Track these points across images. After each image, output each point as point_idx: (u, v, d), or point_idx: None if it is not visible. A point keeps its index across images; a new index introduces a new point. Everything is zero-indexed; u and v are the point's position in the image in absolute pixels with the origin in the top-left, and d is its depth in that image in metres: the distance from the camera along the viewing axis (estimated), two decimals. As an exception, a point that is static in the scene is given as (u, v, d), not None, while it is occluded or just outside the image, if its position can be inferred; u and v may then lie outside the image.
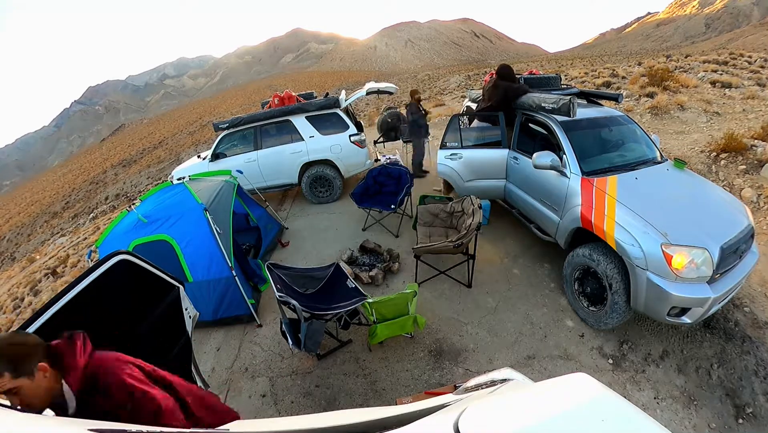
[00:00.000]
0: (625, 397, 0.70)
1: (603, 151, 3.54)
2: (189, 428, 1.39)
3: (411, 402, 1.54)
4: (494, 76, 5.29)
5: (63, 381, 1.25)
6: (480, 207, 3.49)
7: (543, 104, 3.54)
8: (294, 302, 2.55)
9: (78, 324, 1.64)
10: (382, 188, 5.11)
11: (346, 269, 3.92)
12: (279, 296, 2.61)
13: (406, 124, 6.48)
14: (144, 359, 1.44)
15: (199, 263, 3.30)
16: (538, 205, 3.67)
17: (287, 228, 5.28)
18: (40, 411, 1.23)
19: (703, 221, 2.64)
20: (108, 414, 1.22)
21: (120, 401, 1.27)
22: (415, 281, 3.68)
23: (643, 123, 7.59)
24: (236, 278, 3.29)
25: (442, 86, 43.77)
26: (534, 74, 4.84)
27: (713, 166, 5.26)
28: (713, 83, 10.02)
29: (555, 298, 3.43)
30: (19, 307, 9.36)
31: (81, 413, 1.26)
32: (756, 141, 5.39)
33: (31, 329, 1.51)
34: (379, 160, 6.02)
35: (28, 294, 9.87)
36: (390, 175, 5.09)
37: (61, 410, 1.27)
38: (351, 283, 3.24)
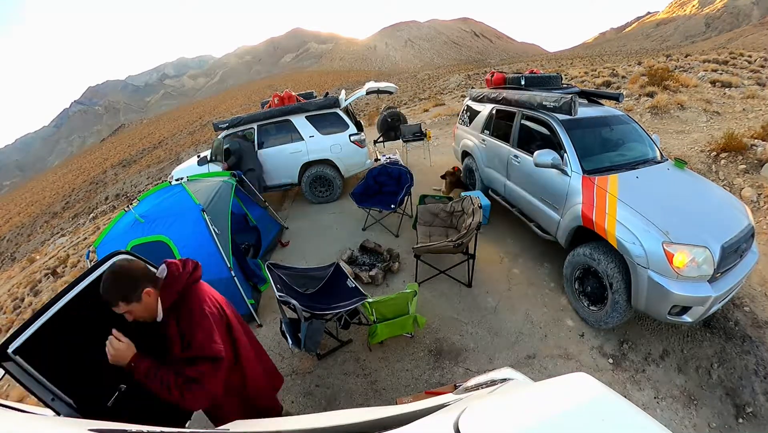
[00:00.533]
0: (625, 396, 0.69)
1: (604, 150, 3.54)
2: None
3: (411, 402, 1.54)
4: (494, 75, 5.29)
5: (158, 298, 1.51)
6: (480, 207, 3.49)
7: (544, 103, 3.54)
8: (294, 301, 2.55)
9: (78, 324, 1.64)
10: (382, 188, 5.11)
11: (347, 268, 3.92)
12: (279, 295, 2.61)
13: (406, 123, 6.49)
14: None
15: (198, 263, 3.29)
16: (539, 203, 3.67)
17: (287, 228, 5.27)
18: (147, 320, 1.51)
19: (704, 220, 2.64)
20: (179, 337, 1.47)
21: (189, 329, 1.46)
22: (415, 281, 3.67)
23: (643, 122, 7.59)
24: (235, 278, 3.29)
25: (441, 86, 43.74)
26: (535, 73, 4.84)
27: (713, 166, 5.25)
28: (713, 83, 10.01)
29: (555, 297, 3.43)
30: (20, 307, 9.37)
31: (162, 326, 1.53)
32: (756, 140, 5.38)
33: (30, 330, 1.51)
34: (379, 159, 6.02)
35: (28, 294, 9.88)
36: (390, 175, 5.08)
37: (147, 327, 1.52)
38: (351, 283, 3.24)
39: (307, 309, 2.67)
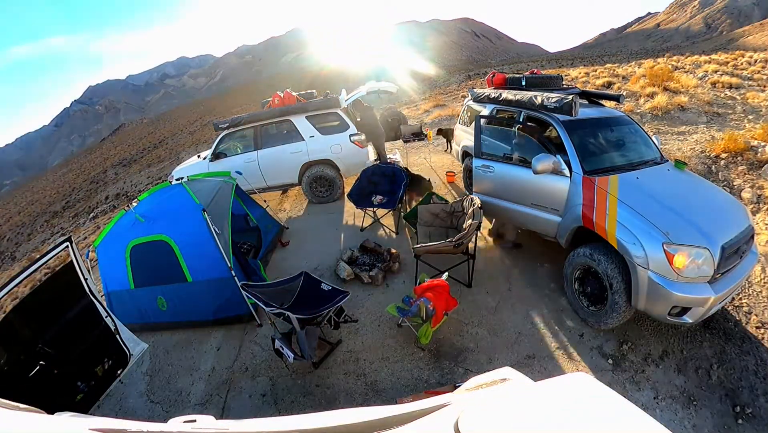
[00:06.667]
0: (624, 397, 0.70)
1: (604, 151, 3.53)
2: None
3: (411, 402, 1.54)
4: (495, 75, 5.29)
5: None
6: (480, 207, 3.49)
7: (545, 103, 3.54)
8: (288, 312, 2.56)
9: None
10: (376, 187, 5.09)
11: (346, 269, 3.92)
12: (270, 310, 2.61)
13: (406, 123, 6.49)
14: None
15: (199, 263, 3.29)
16: (534, 211, 3.57)
17: (287, 228, 5.28)
18: None
19: (705, 221, 2.64)
20: None
21: None
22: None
23: (643, 123, 7.58)
24: (235, 277, 3.29)
25: (442, 86, 43.65)
26: (536, 74, 4.84)
27: (713, 167, 5.25)
28: (714, 84, 10.00)
29: (555, 298, 3.43)
30: (20, 306, 9.34)
31: None
32: (756, 141, 5.38)
33: None
34: (390, 159, 6.00)
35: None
36: (384, 174, 5.07)
37: None
38: (326, 286, 3.13)
39: (299, 316, 2.65)
